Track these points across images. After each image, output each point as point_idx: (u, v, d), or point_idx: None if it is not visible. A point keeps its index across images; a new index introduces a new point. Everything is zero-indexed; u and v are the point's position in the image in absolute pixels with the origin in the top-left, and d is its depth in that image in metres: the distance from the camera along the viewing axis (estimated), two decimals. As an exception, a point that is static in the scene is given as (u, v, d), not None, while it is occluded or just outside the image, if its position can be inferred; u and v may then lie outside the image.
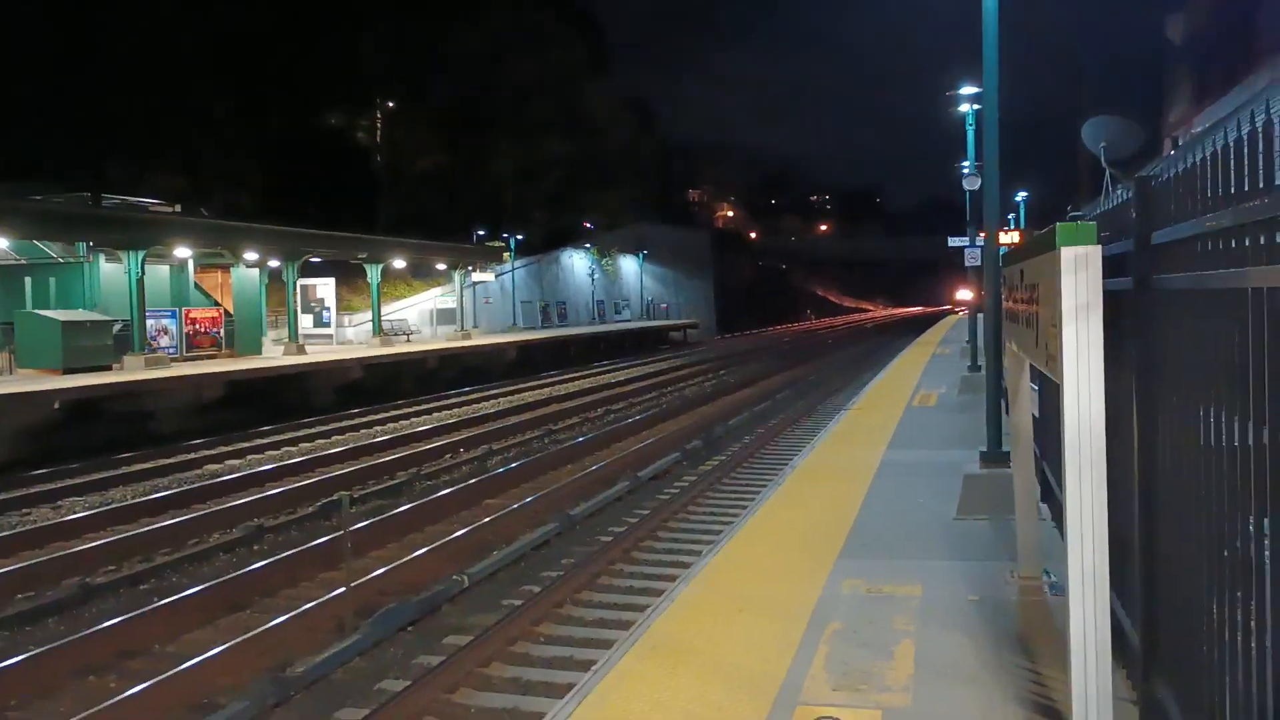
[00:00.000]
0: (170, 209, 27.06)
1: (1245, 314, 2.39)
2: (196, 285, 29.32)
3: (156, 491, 14.09)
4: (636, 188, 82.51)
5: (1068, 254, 3.18)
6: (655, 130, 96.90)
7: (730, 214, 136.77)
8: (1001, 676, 4.37)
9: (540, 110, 65.92)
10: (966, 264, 18.08)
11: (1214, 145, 2.72)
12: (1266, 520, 2.27)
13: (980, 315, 13.19)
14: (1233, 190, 2.57)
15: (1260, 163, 2.39)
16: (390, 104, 59.24)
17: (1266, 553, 2.26)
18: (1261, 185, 2.36)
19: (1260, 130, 2.39)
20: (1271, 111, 2.37)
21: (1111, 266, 3.76)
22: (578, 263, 64.78)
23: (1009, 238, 19.55)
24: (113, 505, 13.12)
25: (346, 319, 38.17)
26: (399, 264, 36.51)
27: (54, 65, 41.54)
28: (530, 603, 8.43)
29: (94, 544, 10.74)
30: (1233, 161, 2.57)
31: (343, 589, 8.27)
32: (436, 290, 45.17)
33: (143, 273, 22.70)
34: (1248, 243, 2.43)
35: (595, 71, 77.63)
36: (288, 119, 52.39)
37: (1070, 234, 3.21)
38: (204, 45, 47.21)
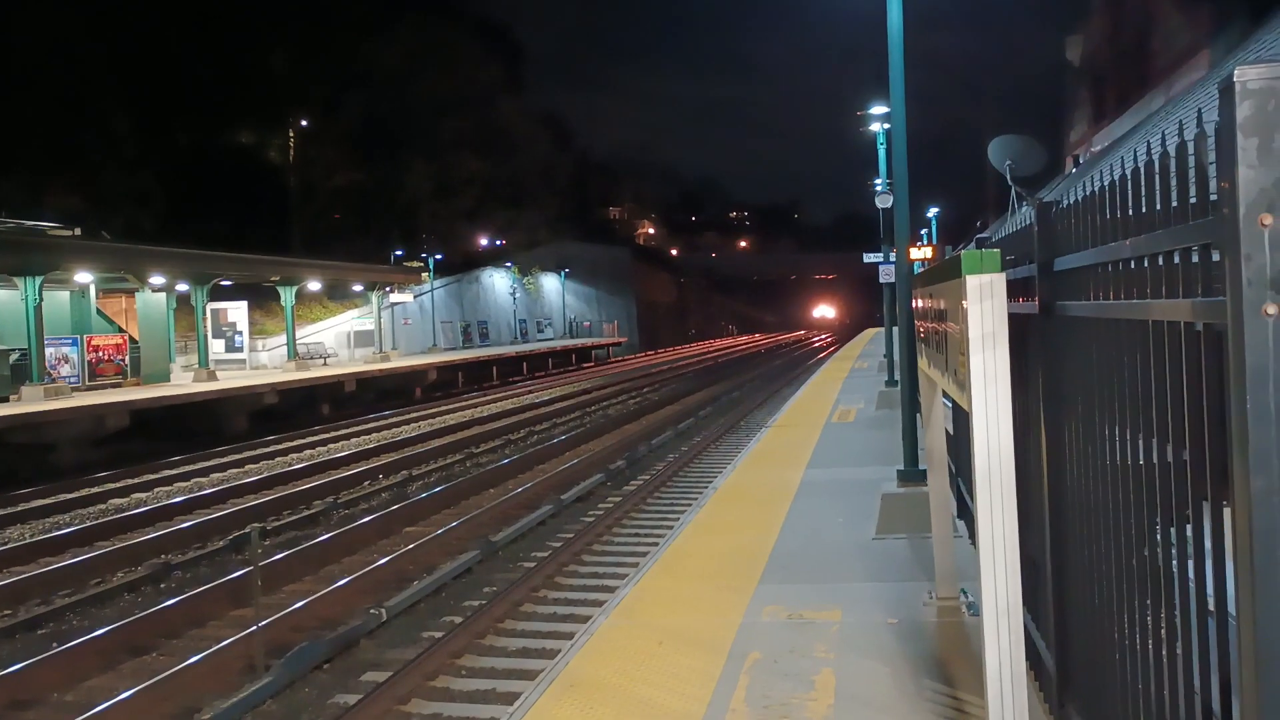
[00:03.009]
0: (70, 232, 26.05)
1: (1148, 345, 2.41)
2: (99, 311, 28.29)
3: (57, 529, 13.49)
4: (555, 205, 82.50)
5: (973, 282, 3.19)
6: (572, 147, 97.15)
7: (651, 231, 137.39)
8: (920, 705, 4.37)
9: (455, 127, 65.51)
10: (880, 280, 18.40)
11: (1111, 174, 2.75)
12: (1188, 526, 2.32)
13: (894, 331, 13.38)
14: (1131, 218, 2.61)
15: (1157, 192, 2.42)
16: (304, 122, 58.15)
17: (1190, 559, 2.30)
18: (1159, 213, 2.39)
19: (1157, 160, 2.42)
20: (1166, 144, 2.41)
21: (1021, 289, 3.82)
22: (499, 282, 64.41)
23: (922, 253, 19.91)
24: (9, 545, 12.51)
25: (260, 343, 37.24)
26: (314, 286, 35.81)
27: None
28: (451, 634, 8.25)
29: (-13, 587, 10.21)
30: (1130, 191, 2.60)
31: (253, 627, 7.98)
32: (354, 312, 44.43)
33: (41, 299, 21.81)
34: (1148, 272, 2.46)
35: (511, 89, 77.55)
36: (194, 136, 51.02)
37: (975, 262, 3.22)
38: (104, 60, 45.76)
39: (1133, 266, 2.57)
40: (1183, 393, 2.19)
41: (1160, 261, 2.33)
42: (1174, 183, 2.24)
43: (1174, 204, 2.23)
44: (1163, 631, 2.42)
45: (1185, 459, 2.21)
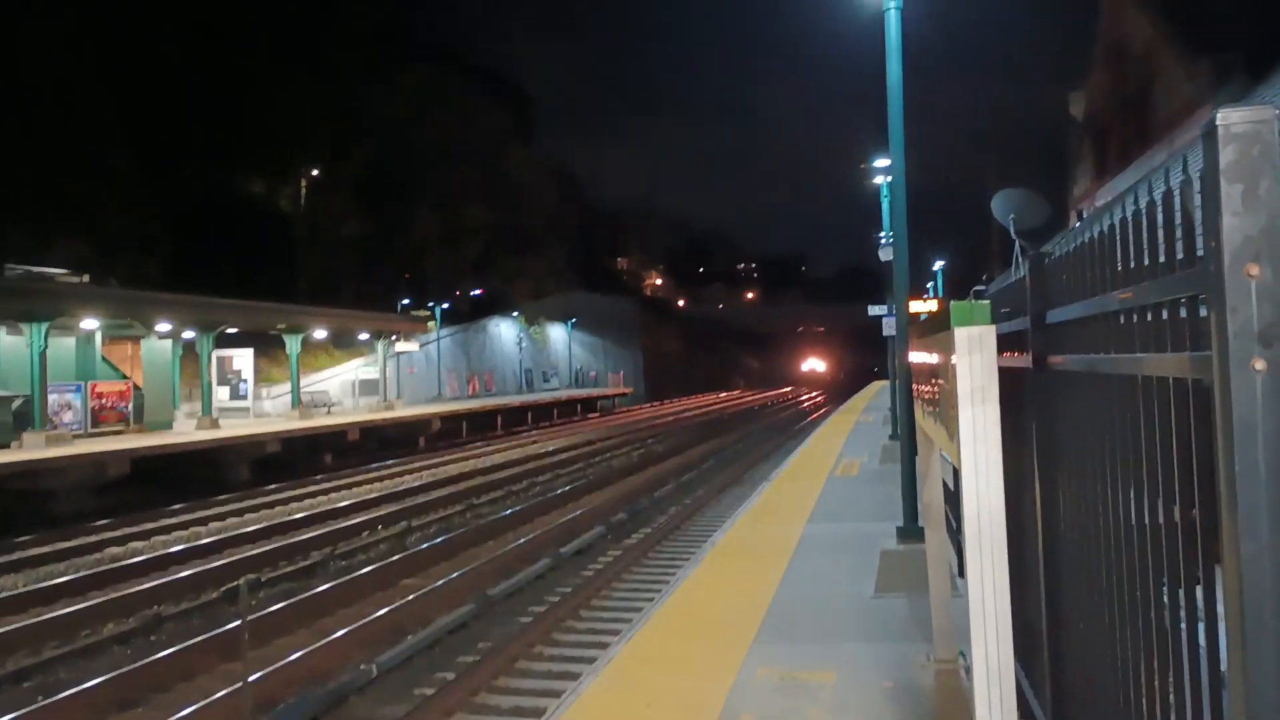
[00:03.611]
0: (77, 278, 26.20)
1: (1138, 401, 2.33)
2: (104, 358, 28.34)
3: (52, 578, 13.35)
4: (562, 254, 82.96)
5: (962, 334, 3.12)
6: (579, 197, 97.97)
7: (658, 282, 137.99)
8: (915, 771, 4.22)
9: (463, 176, 66.11)
10: (884, 333, 18.35)
11: (1100, 225, 2.70)
12: (1180, 590, 2.23)
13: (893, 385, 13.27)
14: (1119, 269, 2.54)
15: (1145, 243, 2.36)
16: (313, 171, 58.75)
17: (1182, 623, 2.20)
18: (1147, 266, 2.32)
19: (1144, 210, 2.36)
20: (1153, 193, 2.35)
21: (1016, 343, 3.74)
22: (505, 331, 64.62)
23: (927, 306, 19.90)
24: (2, 594, 12.38)
25: (265, 391, 37.26)
26: (320, 334, 35.88)
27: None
28: (443, 691, 8.09)
29: (-24, 637, 10.07)
30: (1117, 241, 2.53)
31: (240, 683, 7.82)
32: (359, 360, 44.49)
33: (46, 346, 21.87)
34: (1136, 325, 2.38)
35: (518, 138, 78.37)
36: (201, 184, 51.53)
37: (965, 314, 3.16)
38: (112, 108, 46.39)
39: (1122, 320, 2.50)
40: (1173, 451, 2.11)
41: (1149, 315, 2.26)
42: (1161, 233, 2.18)
43: (1161, 255, 2.17)
44: (1156, 692, 2.32)
45: (1177, 519, 2.13)
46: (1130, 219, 2.39)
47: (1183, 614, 2.13)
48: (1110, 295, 2.52)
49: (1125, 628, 2.59)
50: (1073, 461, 3.11)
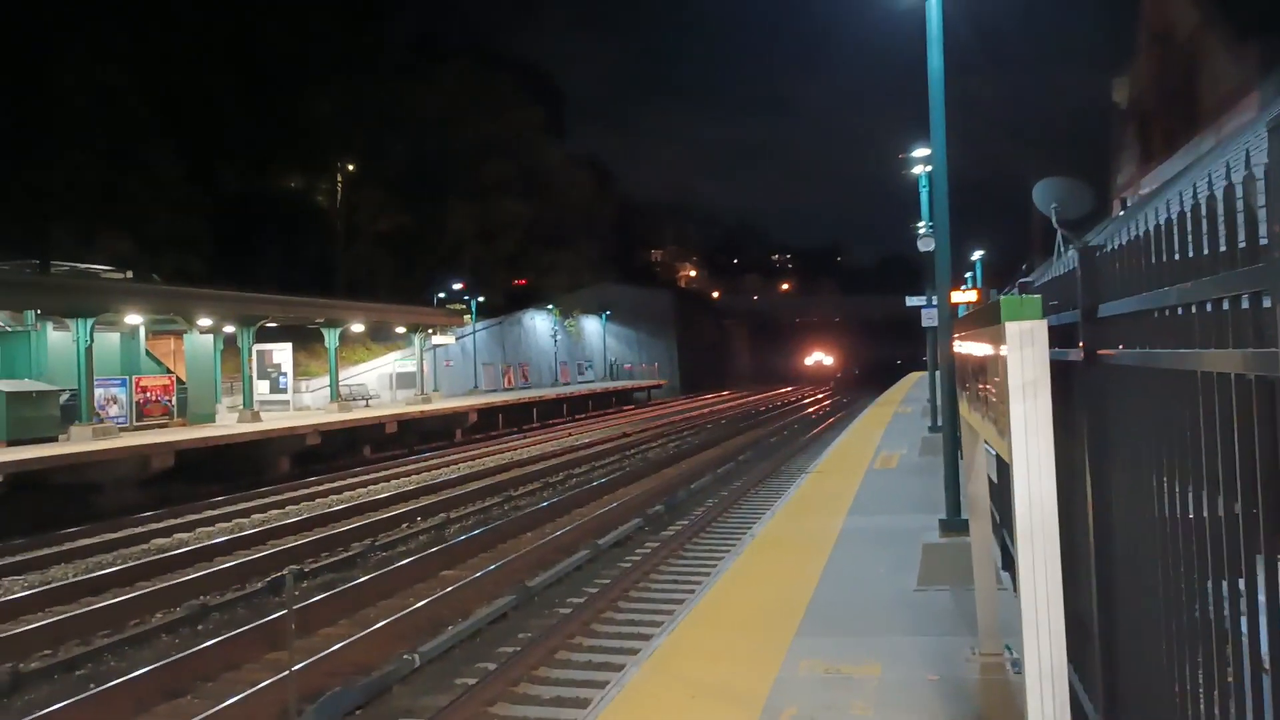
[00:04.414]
0: (121, 275, 26.63)
1: (1197, 397, 2.30)
2: (148, 353, 28.78)
3: (100, 569, 13.61)
4: (597, 247, 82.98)
5: (1012, 329, 3.09)
6: (614, 190, 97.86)
7: (693, 273, 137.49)
8: (962, 766, 4.19)
9: (498, 171, 66.35)
10: (924, 324, 18.19)
11: (1157, 218, 2.66)
12: (1240, 581, 2.20)
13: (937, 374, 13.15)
14: (1177, 264, 2.50)
15: (1205, 237, 2.32)
16: (349, 166, 59.23)
17: (1243, 619, 2.17)
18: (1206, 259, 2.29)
19: (1203, 204, 2.32)
20: (1213, 187, 2.31)
21: (1067, 335, 3.70)
22: (540, 324, 64.82)
23: (966, 296, 19.67)
24: (53, 584, 12.64)
25: (304, 384, 37.66)
26: (357, 328, 36.20)
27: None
28: (485, 682, 8.15)
29: (30, 626, 10.29)
30: (1175, 235, 2.50)
31: (286, 672, 7.93)
32: (396, 354, 44.84)
33: (91, 341, 22.24)
34: (1195, 320, 2.35)
35: (553, 132, 78.47)
36: (241, 181, 52.17)
37: (1015, 308, 3.12)
38: (153, 107, 47.05)
39: (1180, 314, 2.46)
40: (1234, 446, 2.08)
41: (1209, 309, 2.23)
42: (1221, 227, 2.15)
43: (1222, 249, 2.14)
44: (1215, 690, 2.29)
45: (1238, 513, 2.10)
46: (1189, 213, 2.36)
47: (1243, 610, 2.10)
48: (1167, 289, 2.49)
49: (1182, 624, 2.56)
50: (1126, 456, 3.07)
